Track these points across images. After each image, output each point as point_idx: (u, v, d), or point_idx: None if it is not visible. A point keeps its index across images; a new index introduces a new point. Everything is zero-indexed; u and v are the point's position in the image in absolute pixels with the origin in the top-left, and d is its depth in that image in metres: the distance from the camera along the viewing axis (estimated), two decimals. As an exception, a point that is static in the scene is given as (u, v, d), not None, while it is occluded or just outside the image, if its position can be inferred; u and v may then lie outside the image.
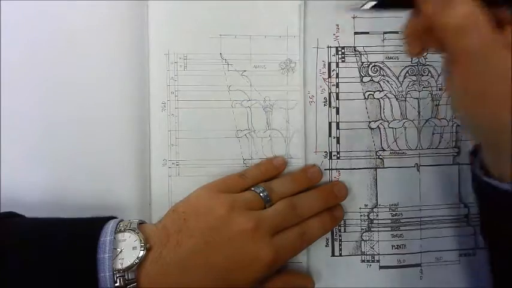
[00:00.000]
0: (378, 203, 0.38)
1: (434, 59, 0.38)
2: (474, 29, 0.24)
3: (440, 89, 0.38)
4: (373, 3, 0.28)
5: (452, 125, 0.38)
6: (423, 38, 0.28)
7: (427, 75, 0.38)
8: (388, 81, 0.38)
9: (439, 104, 0.38)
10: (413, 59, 0.37)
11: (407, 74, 0.38)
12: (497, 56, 0.24)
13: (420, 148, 0.38)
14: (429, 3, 0.25)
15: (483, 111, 0.26)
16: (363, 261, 0.37)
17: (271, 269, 0.32)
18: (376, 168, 0.38)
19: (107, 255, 0.28)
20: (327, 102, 0.37)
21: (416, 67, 0.38)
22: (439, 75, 0.38)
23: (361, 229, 0.37)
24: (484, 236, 0.33)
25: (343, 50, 0.37)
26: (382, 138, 0.38)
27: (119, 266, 0.28)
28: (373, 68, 0.38)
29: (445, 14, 0.25)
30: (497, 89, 0.24)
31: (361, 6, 0.31)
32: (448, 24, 0.25)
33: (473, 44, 0.24)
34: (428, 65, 0.38)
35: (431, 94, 0.38)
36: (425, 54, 0.33)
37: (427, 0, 0.25)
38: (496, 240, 0.31)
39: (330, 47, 0.37)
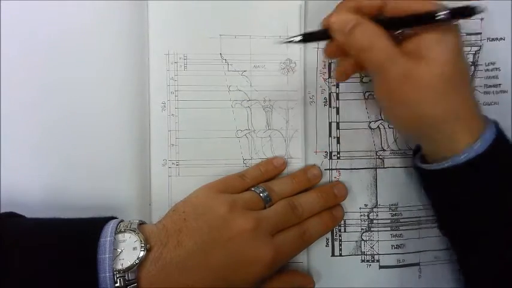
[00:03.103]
0: (378, 203, 0.38)
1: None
2: (373, 46, 0.29)
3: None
4: (300, 37, 0.32)
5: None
6: (344, 63, 0.33)
7: (426, 75, 0.38)
8: (387, 82, 0.38)
9: (437, 104, 0.38)
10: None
11: (406, 74, 0.38)
12: (398, 63, 0.29)
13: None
14: (339, 34, 0.30)
15: (406, 115, 0.31)
16: (362, 261, 0.37)
17: (272, 268, 0.32)
18: (376, 168, 0.38)
19: (107, 255, 0.28)
20: (327, 102, 0.37)
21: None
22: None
23: (361, 229, 0.38)
24: (445, 232, 0.36)
25: (343, 50, 0.37)
26: (382, 138, 0.38)
27: (119, 267, 0.28)
28: (372, 68, 0.38)
29: (350, 40, 0.30)
30: (408, 92, 0.29)
31: (290, 41, 0.33)
32: (353, 47, 0.30)
33: (376, 58, 0.29)
34: (427, 65, 0.38)
35: (430, 94, 0.38)
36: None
37: (336, 32, 0.30)
38: (455, 230, 0.34)
39: (330, 47, 0.37)
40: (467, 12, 0.27)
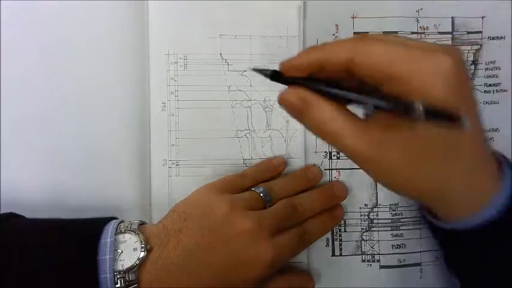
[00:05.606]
0: (378, 203, 0.38)
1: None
2: (326, 130, 0.25)
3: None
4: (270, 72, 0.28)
5: (452, 125, 0.38)
6: None
7: (427, 74, 0.38)
8: (387, 81, 0.38)
9: (438, 104, 0.38)
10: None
11: (406, 74, 0.38)
12: (361, 143, 0.25)
13: (420, 148, 0.38)
14: (290, 113, 0.27)
15: (406, 190, 0.26)
16: (363, 261, 0.37)
17: (272, 269, 0.32)
18: (376, 168, 0.38)
19: (108, 256, 0.28)
20: (327, 102, 0.37)
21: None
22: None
23: (362, 229, 0.38)
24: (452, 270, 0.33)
25: (342, 50, 0.37)
26: (382, 138, 0.38)
27: (120, 268, 0.28)
28: (372, 67, 0.38)
29: (303, 122, 0.26)
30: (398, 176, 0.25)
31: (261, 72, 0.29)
32: (307, 127, 0.26)
33: (334, 142, 0.26)
34: (427, 64, 0.38)
35: (431, 94, 0.38)
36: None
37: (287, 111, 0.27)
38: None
39: (330, 46, 0.37)
40: (450, 118, 0.21)
